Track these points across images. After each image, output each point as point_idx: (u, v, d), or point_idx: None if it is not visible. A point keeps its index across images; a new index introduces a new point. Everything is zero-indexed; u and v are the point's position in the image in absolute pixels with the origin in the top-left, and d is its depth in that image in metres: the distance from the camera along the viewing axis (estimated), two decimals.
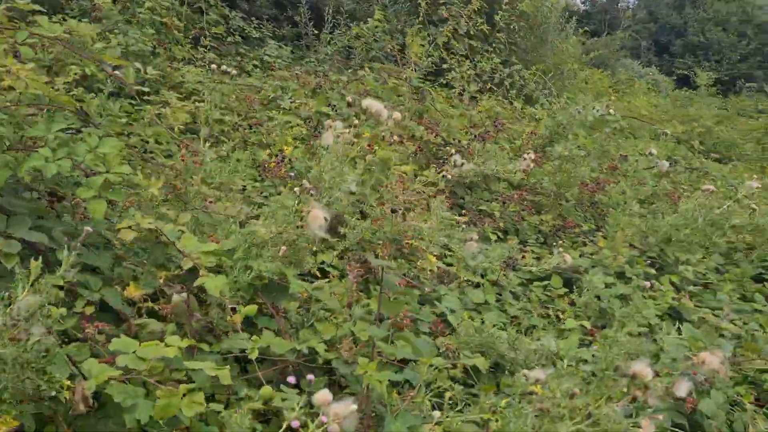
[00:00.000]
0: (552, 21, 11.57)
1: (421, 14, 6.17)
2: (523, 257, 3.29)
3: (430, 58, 5.85)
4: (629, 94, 10.66)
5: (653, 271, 3.28)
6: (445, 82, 6.00)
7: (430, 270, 2.97)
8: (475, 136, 4.11)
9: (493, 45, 6.93)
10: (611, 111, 4.16)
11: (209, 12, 8.06)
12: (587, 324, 2.76)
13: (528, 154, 3.56)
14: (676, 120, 8.14)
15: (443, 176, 3.75)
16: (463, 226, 3.51)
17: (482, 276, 3.01)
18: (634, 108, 5.60)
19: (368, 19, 6.57)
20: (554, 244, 3.67)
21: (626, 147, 5.06)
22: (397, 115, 2.71)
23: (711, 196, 3.60)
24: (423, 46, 5.92)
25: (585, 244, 3.59)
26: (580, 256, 3.40)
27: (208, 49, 7.34)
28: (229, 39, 8.39)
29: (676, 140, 6.42)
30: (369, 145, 3.70)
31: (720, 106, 13.16)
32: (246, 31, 8.54)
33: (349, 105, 4.18)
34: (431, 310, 2.65)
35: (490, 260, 2.95)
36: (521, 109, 5.45)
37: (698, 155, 5.87)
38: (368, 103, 2.67)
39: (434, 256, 3.07)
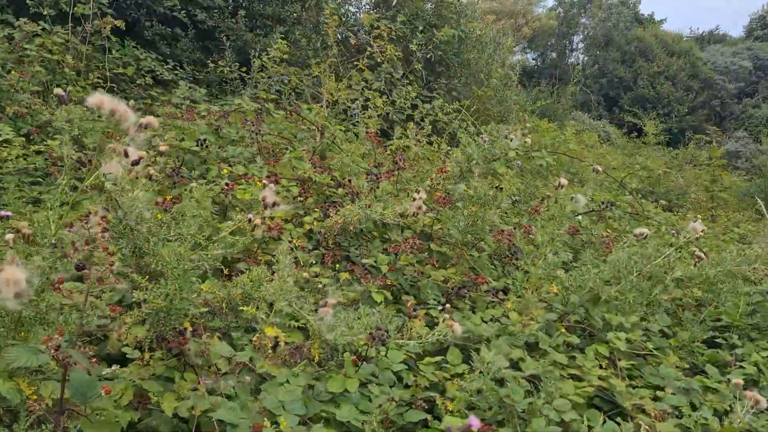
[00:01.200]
0: (494, 67, 11.22)
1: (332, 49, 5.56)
2: (411, 324, 2.52)
3: (340, 93, 5.20)
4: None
5: (576, 340, 2.53)
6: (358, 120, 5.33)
7: (272, 347, 2.18)
8: (369, 175, 3.39)
9: (410, 79, 6.37)
10: (527, 141, 3.49)
11: (112, 51, 7.34)
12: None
13: (418, 193, 2.84)
14: (621, 167, 7.62)
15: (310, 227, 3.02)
16: (325, 285, 2.74)
17: (341, 352, 2.24)
18: (563, 145, 5.01)
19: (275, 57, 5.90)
20: (458, 306, 2.94)
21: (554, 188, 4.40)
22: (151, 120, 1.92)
23: (648, 243, 2.90)
24: (336, 82, 5.27)
25: (496, 305, 2.84)
26: (486, 321, 2.65)
27: (108, 90, 6.62)
28: (138, 81, 7.70)
29: (622, 186, 5.83)
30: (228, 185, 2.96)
31: (669, 156, 12.89)
32: (158, 74, 7.85)
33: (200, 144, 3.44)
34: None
35: (354, 332, 2.18)
36: (443, 148, 4.80)
37: (642, 201, 5.25)
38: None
39: (285, 326, 2.29)
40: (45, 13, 7.10)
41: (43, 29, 6.74)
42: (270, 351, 2.19)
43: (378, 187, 3.34)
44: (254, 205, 3.04)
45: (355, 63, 5.41)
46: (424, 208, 2.83)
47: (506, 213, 4.14)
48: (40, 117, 4.82)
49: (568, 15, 27.58)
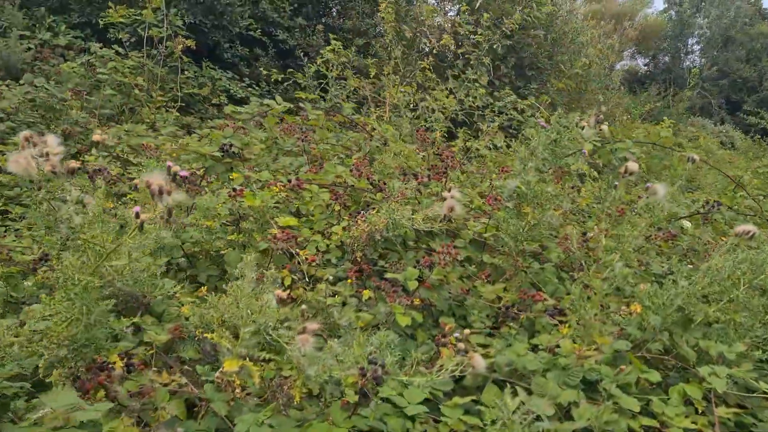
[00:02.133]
0: (593, 71, 10.37)
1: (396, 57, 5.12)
2: (439, 355, 1.98)
3: (405, 97, 4.73)
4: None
5: (655, 377, 1.87)
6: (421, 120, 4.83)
7: (240, 383, 1.71)
8: (406, 175, 2.88)
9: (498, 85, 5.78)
10: (603, 129, 2.83)
11: (185, 71, 7.30)
12: None
13: (449, 191, 2.28)
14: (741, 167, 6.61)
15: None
16: (344, 305, 2.25)
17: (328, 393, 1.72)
18: (656, 135, 4.22)
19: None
20: (510, 329, 2.35)
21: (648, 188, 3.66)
22: None
23: (763, 247, 2.18)
24: (396, 86, 4.81)
25: (553, 329, 2.22)
26: (532, 349, 2.04)
27: (179, 110, 6.54)
28: (214, 100, 7.63)
29: (738, 186, 4.93)
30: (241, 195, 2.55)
31: None
32: (233, 92, 7.75)
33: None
34: None
35: (343, 366, 1.66)
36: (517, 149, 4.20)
37: (762, 200, 4.36)
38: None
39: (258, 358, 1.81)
40: (121, 38, 7.18)
41: (117, 53, 6.78)
42: (238, 390, 1.71)
43: (419, 191, 2.82)
44: (263, 213, 2.61)
45: (424, 67, 4.92)
46: (458, 209, 2.27)
47: (587, 216, 3.49)
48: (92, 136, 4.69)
49: (682, 16, 25.77)
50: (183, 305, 2.19)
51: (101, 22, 6.84)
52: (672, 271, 2.37)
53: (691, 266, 2.73)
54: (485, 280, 2.64)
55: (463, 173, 4.23)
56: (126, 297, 1.94)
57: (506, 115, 4.76)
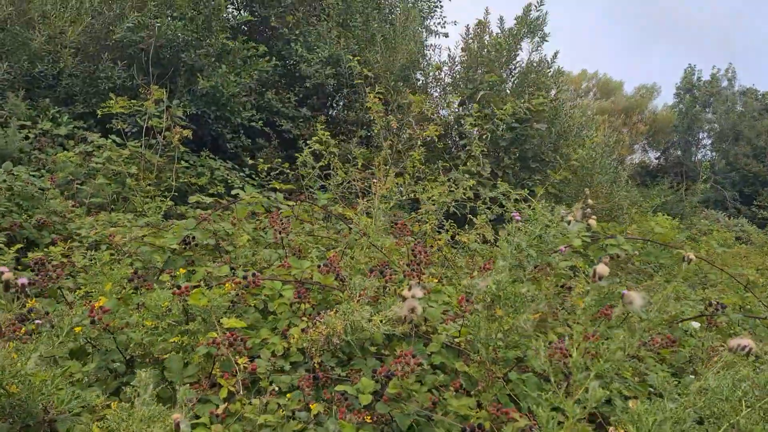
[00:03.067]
0: (597, 163, 10.27)
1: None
2: None
3: (396, 188, 4.57)
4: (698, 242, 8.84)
5: None
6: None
7: None
8: (372, 272, 2.64)
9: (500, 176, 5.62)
10: (591, 223, 2.60)
11: (181, 161, 7.27)
12: None
13: (410, 290, 2.04)
14: (751, 265, 6.31)
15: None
16: (283, 422, 1.98)
17: None
18: (649, 231, 3.96)
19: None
20: None
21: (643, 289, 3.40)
22: None
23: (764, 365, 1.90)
24: (387, 176, 4.67)
25: None
26: None
27: (172, 199, 6.43)
28: (211, 190, 7.56)
29: (746, 289, 4.62)
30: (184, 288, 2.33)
31: None
32: (230, 182, 7.68)
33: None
34: None
35: None
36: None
37: None
38: None
39: None
40: (121, 128, 7.21)
41: (115, 142, 6.78)
42: None
43: (384, 289, 2.57)
44: (209, 312, 2.37)
45: (415, 157, 4.78)
46: (420, 310, 2.02)
47: (571, 320, 3.20)
48: (71, 226, 4.55)
49: (690, 112, 26.05)
50: (104, 419, 1.93)
51: (100, 112, 6.89)
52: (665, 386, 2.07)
53: (693, 377, 2.45)
54: (457, 392, 2.34)
55: (454, 269, 3.99)
56: (23, 414, 1.67)
57: (501, 207, 4.58)
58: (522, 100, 8.11)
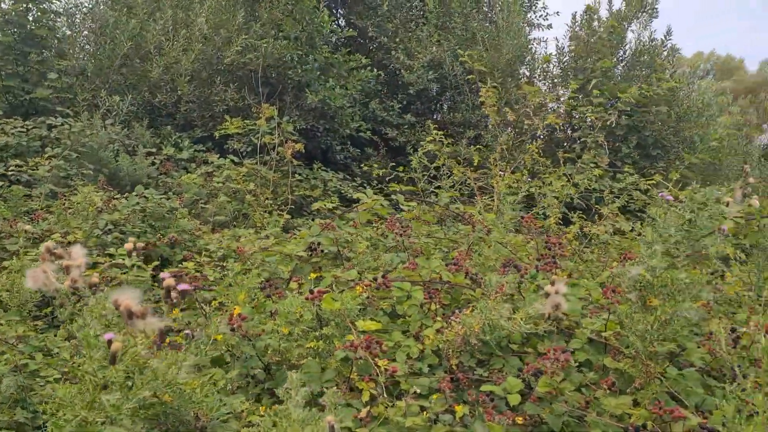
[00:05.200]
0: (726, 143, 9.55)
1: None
2: None
3: (515, 184, 4.41)
4: None
5: None
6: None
7: None
8: (506, 267, 2.51)
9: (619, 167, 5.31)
10: (753, 203, 2.34)
11: (296, 175, 7.43)
12: None
13: (553, 285, 1.89)
14: None
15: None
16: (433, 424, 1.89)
17: None
18: None
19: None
20: None
21: None
22: None
23: None
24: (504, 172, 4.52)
25: None
26: None
27: (289, 212, 6.58)
28: (326, 201, 7.67)
29: None
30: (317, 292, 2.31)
31: None
32: (344, 192, 7.76)
33: None
34: None
35: None
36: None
37: None
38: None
39: None
40: (237, 148, 7.49)
41: (233, 162, 7.04)
42: None
43: (520, 284, 2.44)
44: (342, 317, 2.33)
45: (533, 150, 4.60)
46: (565, 306, 1.87)
47: (737, 307, 2.91)
48: (200, 242, 4.73)
49: None
50: (251, 425, 1.92)
51: (217, 134, 7.18)
52: None
53: None
54: (609, 390, 2.17)
55: (584, 262, 3.77)
56: (176, 422, 1.69)
57: (629, 196, 4.29)
58: (639, 85, 7.65)
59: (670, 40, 9.13)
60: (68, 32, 8.53)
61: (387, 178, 7.06)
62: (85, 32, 8.70)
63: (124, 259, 3.35)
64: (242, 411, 1.98)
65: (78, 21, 8.73)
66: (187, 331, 2.03)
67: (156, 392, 1.53)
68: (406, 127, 9.61)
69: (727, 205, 2.48)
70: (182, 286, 1.57)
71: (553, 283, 1.91)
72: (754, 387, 1.59)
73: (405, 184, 6.33)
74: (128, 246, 2.62)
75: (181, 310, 2.99)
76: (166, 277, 1.52)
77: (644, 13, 9.03)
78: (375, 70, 9.22)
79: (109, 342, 1.32)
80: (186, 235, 4.80)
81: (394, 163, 8.97)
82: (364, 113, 9.37)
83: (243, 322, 2.21)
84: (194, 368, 1.96)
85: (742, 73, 22.93)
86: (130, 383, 1.39)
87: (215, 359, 2.34)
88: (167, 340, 2.02)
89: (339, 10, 10.78)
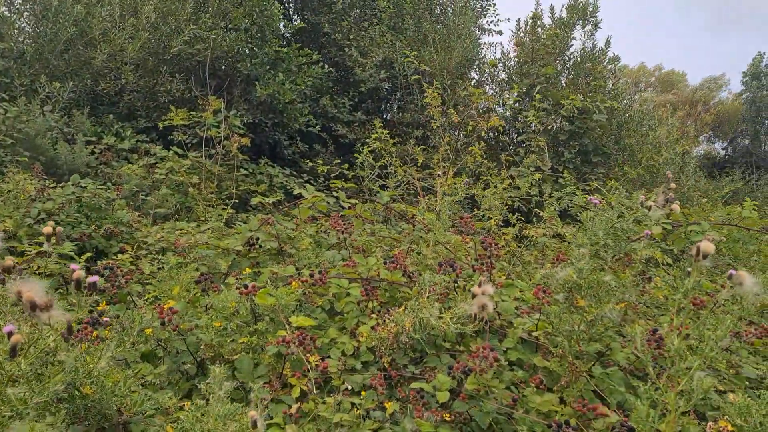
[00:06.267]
0: (664, 154, 9.89)
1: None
2: None
3: (457, 184, 4.46)
4: None
5: None
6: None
7: None
8: (441, 266, 2.54)
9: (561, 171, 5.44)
10: (674, 208, 2.44)
11: (241, 169, 7.33)
12: None
13: (482, 285, 1.93)
14: None
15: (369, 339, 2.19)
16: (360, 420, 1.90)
17: None
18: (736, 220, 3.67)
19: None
20: None
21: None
22: None
23: None
24: (447, 173, 4.56)
25: None
26: None
27: (233, 207, 6.49)
28: (271, 197, 7.60)
29: None
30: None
31: None
32: (289, 187, 7.71)
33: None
34: None
35: None
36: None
37: None
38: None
39: None
40: (182, 139, 7.34)
41: (176, 154, 6.91)
42: None
43: (455, 284, 2.47)
44: (277, 312, 2.32)
45: (475, 152, 4.66)
46: (491, 307, 1.91)
47: (663, 310, 3.03)
48: (137, 235, 4.62)
49: (758, 99, 24.89)
50: (175, 421, 1.89)
51: (161, 125, 7.03)
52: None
53: None
54: (537, 388, 2.22)
55: (523, 263, 3.85)
56: (97, 416, 1.65)
57: (569, 200, 4.40)
58: (580, 93, 7.86)
59: (609, 49, 9.40)
60: (6, 13, 8.20)
61: (332, 175, 7.04)
62: (26, 14, 8.38)
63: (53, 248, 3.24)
64: (169, 407, 1.95)
65: (18, 3, 8.40)
66: (107, 319, 1.97)
67: (75, 384, 1.49)
68: (357, 124, 9.62)
69: (650, 209, 2.57)
70: (92, 279, 1.53)
71: (480, 285, 1.94)
72: (667, 386, 1.66)
73: (351, 182, 6.33)
74: (47, 230, 2.46)
75: (113, 303, 2.92)
76: (76, 268, 1.48)
77: (587, 23, 9.26)
78: (327, 66, 9.18)
79: (9, 334, 1.28)
80: (123, 227, 4.68)
81: (343, 161, 8.97)
82: (315, 109, 9.33)
83: (174, 315, 2.18)
84: (120, 362, 1.92)
85: (683, 87, 23.78)
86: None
87: (145, 354, 2.29)
88: (95, 334, 1.96)
89: (291, 4, 10.69)
